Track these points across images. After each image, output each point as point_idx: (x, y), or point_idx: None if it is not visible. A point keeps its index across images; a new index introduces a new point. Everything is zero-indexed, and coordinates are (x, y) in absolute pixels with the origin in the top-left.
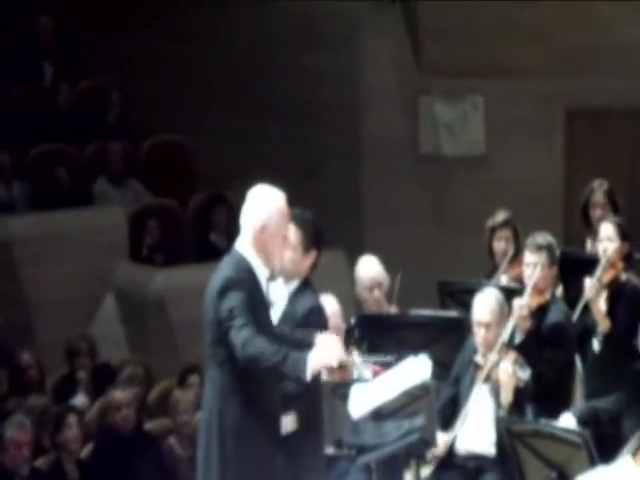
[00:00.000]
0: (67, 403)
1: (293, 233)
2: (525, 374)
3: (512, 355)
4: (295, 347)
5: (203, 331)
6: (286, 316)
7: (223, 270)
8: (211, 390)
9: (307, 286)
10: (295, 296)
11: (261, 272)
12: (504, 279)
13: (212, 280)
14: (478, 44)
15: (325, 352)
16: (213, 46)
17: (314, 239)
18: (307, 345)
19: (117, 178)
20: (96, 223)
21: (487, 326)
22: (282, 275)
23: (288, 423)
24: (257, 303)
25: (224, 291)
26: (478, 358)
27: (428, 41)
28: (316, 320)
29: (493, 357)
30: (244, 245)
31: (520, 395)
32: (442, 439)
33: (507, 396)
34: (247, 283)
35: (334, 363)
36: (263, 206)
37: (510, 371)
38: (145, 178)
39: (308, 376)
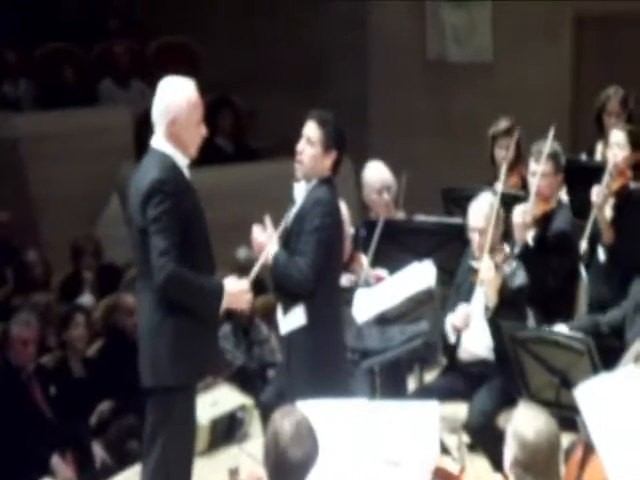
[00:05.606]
0: (74, 302)
1: (313, 131)
2: (510, 268)
3: (501, 254)
4: None
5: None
6: (299, 211)
7: (147, 171)
8: (147, 304)
9: (326, 183)
10: (311, 192)
11: (183, 165)
12: (500, 187)
13: (135, 182)
14: None
15: (238, 296)
16: None
17: (335, 139)
18: None
19: (122, 79)
20: (102, 123)
21: (481, 231)
22: (303, 174)
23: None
24: (187, 201)
25: (150, 196)
26: (474, 263)
27: None
28: (320, 211)
29: (486, 259)
30: (160, 141)
31: (513, 297)
32: (463, 311)
33: (492, 295)
34: (174, 182)
35: (246, 308)
36: (171, 98)
37: (489, 266)
38: (151, 79)
39: (219, 313)
